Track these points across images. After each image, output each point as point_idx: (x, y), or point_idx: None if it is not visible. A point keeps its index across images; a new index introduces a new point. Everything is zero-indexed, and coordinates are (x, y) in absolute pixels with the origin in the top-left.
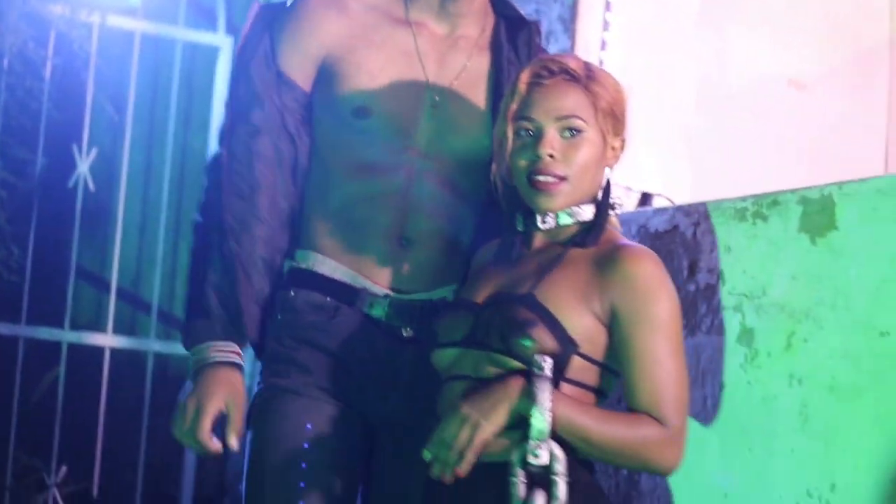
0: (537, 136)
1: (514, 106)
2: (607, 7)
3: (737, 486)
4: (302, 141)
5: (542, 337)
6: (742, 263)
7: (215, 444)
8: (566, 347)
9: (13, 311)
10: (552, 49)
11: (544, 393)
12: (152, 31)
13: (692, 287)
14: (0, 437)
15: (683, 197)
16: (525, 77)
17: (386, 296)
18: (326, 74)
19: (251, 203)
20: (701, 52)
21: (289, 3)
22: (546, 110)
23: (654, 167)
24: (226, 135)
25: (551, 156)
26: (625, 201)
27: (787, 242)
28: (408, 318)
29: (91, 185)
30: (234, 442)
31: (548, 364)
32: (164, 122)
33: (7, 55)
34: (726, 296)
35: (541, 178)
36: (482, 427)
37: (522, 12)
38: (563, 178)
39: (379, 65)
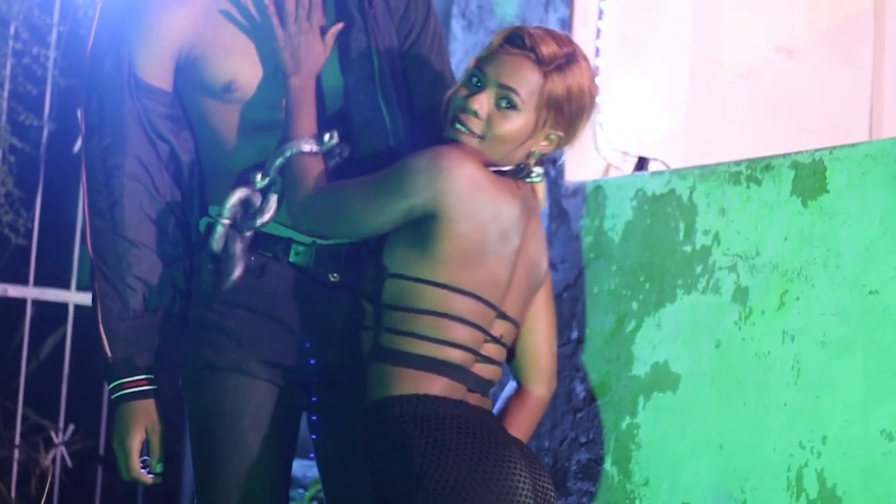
0: (478, 90)
1: (480, 55)
2: None
3: (732, 439)
4: (179, 136)
5: None
6: (736, 225)
7: (148, 477)
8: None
9: (22, 274)
10: (551, 18)
11: None
12: None
13: (688, 248)
14: (8, 396)
15: (678, 162)
16: (501, 35)
17: (312, 243)
18: (186, 64)
19: (112, 221)
20: (694, 19)
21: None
22: (496, 73)
23: (649, 132)
24: (81, 150)
25: (475, 113)
26: (622, 165)
27: (780, 205)
28: (333, 264)
29: None
30: (158, 469)
31: None
32: None
33: (13, 22)
34: (721, 256)
35: (457, 125)
36: None
37: None
38: (478, 137)
39: (229, 39)
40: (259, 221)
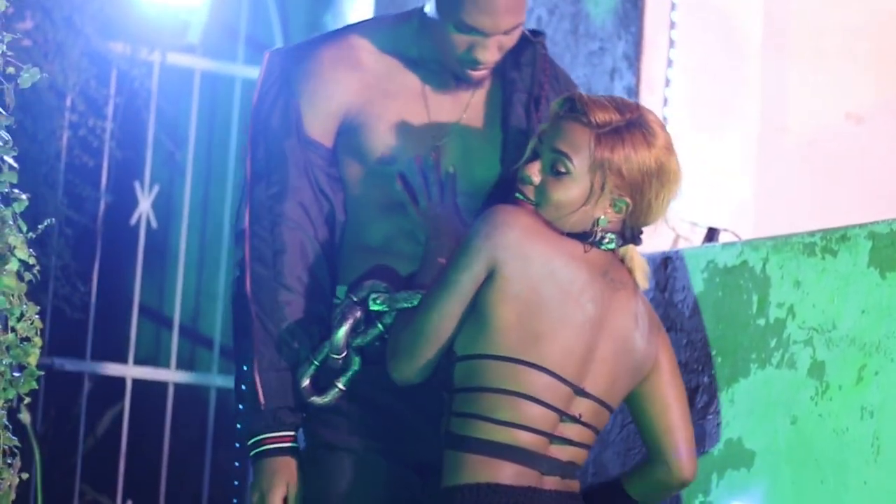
0: (533, 157)
1: (544, 125)
2: (671, 44)
3: None
4: (336, 194)
5: None
6: (812, 298)
7: None
8: None
9: (78, 347)
10: (617, 86)
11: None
12: (212, 68)
13: (762, 321)
14: (66, 471)
15: (749, 232)
16: (558, 101)
17: None
18: (348, 128)
19: (275, 269)
20: (762, 86)
21: (301, 51)
22: (550, 140)
23: (719, 202)
24: (245, 198)
25: (529, 180)
26: (691, 236)
27: (857, 277)
28: None
29: (153, 222)
30: None
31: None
32: (223, 158)
33: (70, 94)
34: (796, 330)
35: (517, 195)
36: None
37: (583, 52)
38: (533, 203)
39: (395, 112)
40: (352, 369)
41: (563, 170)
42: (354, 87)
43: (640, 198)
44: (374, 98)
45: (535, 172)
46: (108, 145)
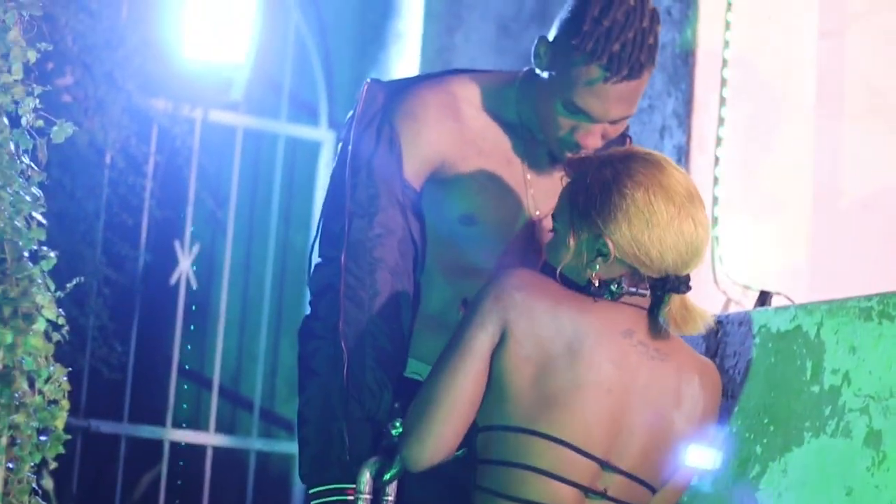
0: None
1: None
2: (722, 102)
3: None
4: (422, 242)
5: None
6: (868, 364)
7: None
8: None
9: (115, 409)
10: (667, 145)
11: None
12: (254, 125)
13: (816, 388)
14: None
15: (803, 296)
16: None
17: None
18: (437, 179)
19: (370, 313)
20: (816, 146)
21: (403, 88)
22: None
23: (770, 265)
24: (339, 238)
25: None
26: (742, 300)
27: None
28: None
29: (193, 282)
30: None
31: None
32: (265, 217)
33: (110, 151)
34: (852, 397)
35: None
36: None
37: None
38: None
39: (486, 173)
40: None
41: (552, 228)
42: (453, 137)
43: (620, 235)
44: (468, 155)
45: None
46: (148, 203)
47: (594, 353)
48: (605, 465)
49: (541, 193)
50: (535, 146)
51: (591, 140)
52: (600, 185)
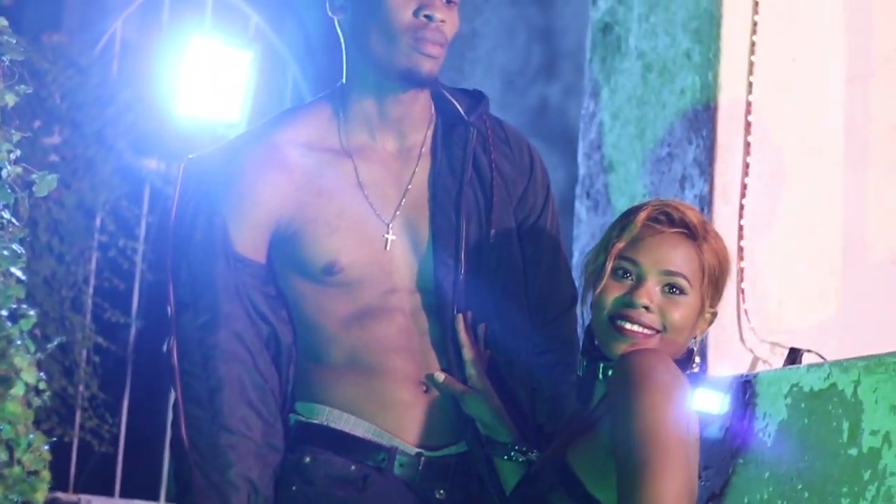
0: (637, 282)
1: (619, 244)
2: (747, 149)
3: None
4: (277, 314)
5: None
6: None
7: None
8: None
9: (106, 484)
10: (688, 195)
11: None
12: None
13: (854, 451)
14: None
15: (834, 353)
16: (642, 217)
17: (418, 454)
18: (283, 238)
19: (210, 409)
20: (845, 197)
21: (218, 158)
22: (655, 260)
23: (799, 321)
24: (172, 331)
25: (646, 307)
26: (771, 358)
27: None
28: (440, 479)
29: None
30: None
31: None
32: None
33: (100, 212)
34: (893, 460)
35: (628, 325)
36: None
37: (651, 158)
38: (656, 331)
39: (332, 213)
40: None
41: (680, 290)
42: (283, 190)
43: (719, 301)
44: (306, 200)
45: (652, 297)
46: (140, 267)
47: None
48: None
49: (388, 210)
50: (374, 162)
51: (438, 13)
52: (725, 256)
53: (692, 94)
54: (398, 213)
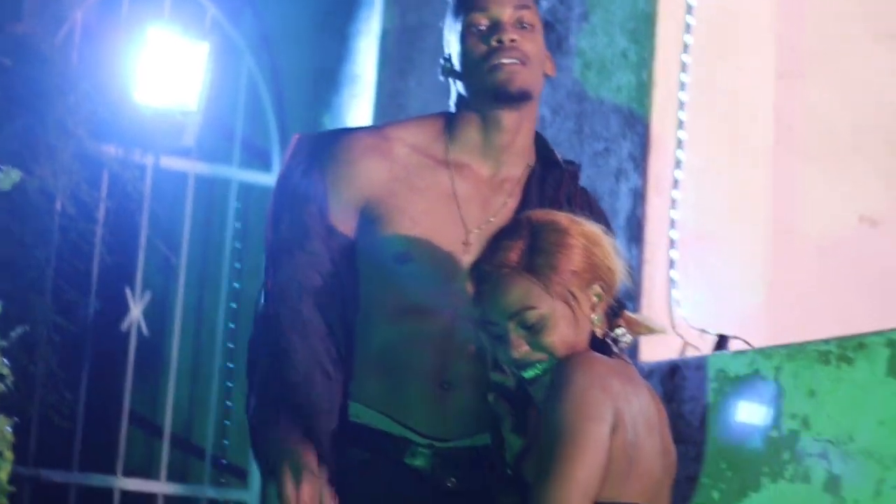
0: (504, 334)
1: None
2: (679, 144)
3: None
4: (354, 285)
5: None
6: (827, 408)
7: None
8: None
9: (65, 458)
10: (623, 188)
11: None
12: (206, 171)
13: (774, 433)
14: None
15: (760, 340)
16: (470, 279)
17: (429, 445)
18: (369, 219)
19: (305, 338)
20: (773, 188)
21: (331, 136)
22: (499, 311)
23: (728, 309)
24: (270, 280)
25: (523, 357)
26: (700, 344)
27: (875, 386)
28: (452, 468)
29: (144, 329)
30: None
31: None
32: (217, 263)
33: (60, 197)
34: (811, 442)
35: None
36: None
37: (588, 152)
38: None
39: (420, 210)
40: None
41: (535, 320)
42: (381, 175)
43: (601, 271)
44: (399, 191)
45: (520, 346)
46: (99, 250)
47: (642, 413)
48: None
49: (472, 223)
50: (471, 179)
51: (508, 33)
52: (545, 242)
53: (628, 92)
54: (480, 228)
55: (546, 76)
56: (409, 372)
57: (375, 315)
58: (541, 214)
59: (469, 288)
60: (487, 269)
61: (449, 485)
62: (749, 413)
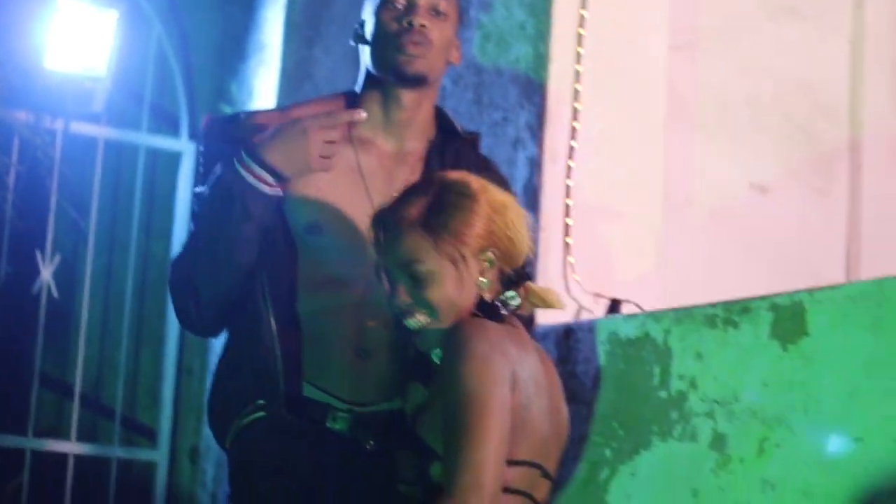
0: (393, 284)
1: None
2: (574, 115)
3: None
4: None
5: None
6: (713, 370)
7: None
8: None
9: None
10: (520, 156)
11: None
12: (115, 136)
13: (663, 394)
14: None
15: (653, 304)
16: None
17: (349, 410)
18: (286, 196)
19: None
20: (666, 157)
21: (236, 116)
22: (392, 260)
23: (621, 274)
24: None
25: (408, 305)
26: (593, 308)
27: (759, 349)
28: (371, 431)
29: (55, 292)
30: None
31: None
32: (126, 227)
33: None
34: (698, 402)
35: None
36: None
37: (487, 122)
38: (435, 320)
39: (326, 184)
40: None
41: (421, 274)
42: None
43: (497, 238)
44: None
45: (402, 295)
46: (10, 214)
47: (531, 375)
48: (546, 475)
49: (378, 197)
50: (375, 153)
51: (417, 19)
52: (446, 203)
53: (525, 63)
54: (386, 201)
55: (449, 63)
56: (327, 341)
57: (300, 287)
58: (455, 176)
59: (369, 236)
60: (388, 220)
61: (368, 447)
62: (639, 374)
